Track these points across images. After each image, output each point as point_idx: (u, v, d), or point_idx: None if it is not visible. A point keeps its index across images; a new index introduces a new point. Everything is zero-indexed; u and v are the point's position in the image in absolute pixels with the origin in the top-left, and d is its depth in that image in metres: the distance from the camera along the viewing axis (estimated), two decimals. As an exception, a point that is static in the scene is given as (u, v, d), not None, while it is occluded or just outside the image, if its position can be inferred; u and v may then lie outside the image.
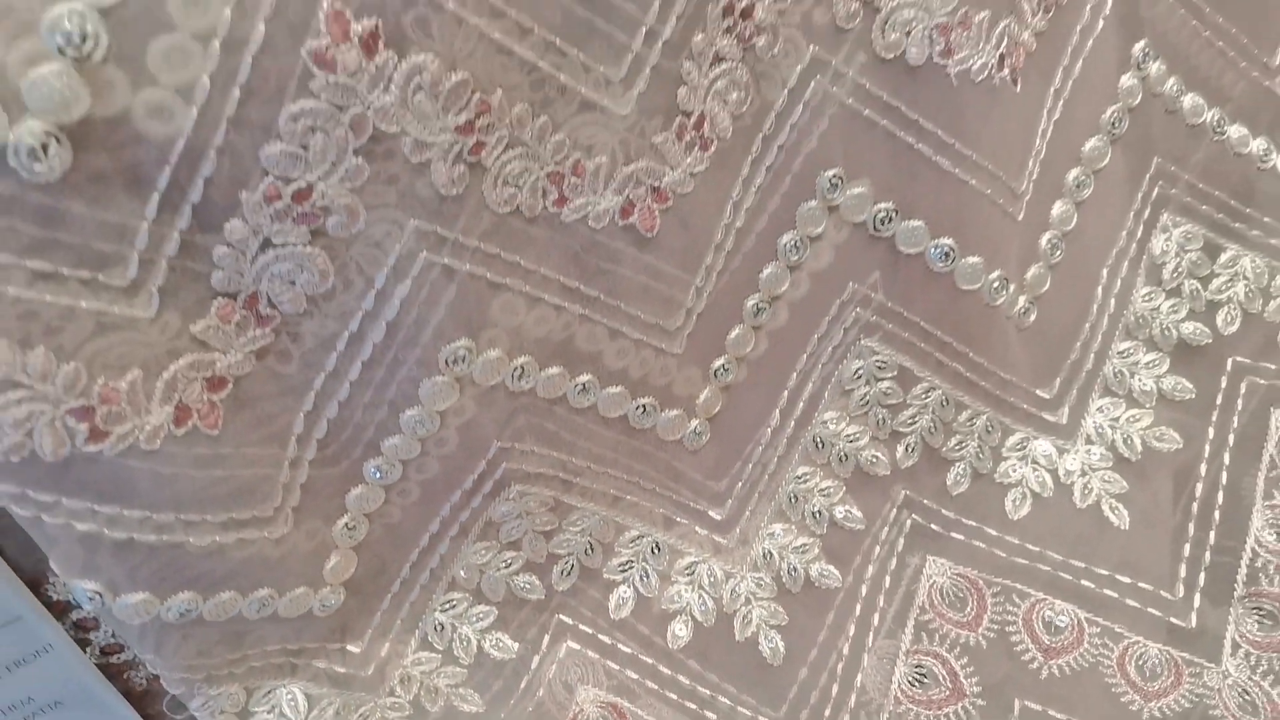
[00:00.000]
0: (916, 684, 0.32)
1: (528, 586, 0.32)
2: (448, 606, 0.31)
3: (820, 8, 0.27)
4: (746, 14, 0.26)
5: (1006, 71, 0.30)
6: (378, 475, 0.28)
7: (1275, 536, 0.31)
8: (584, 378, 0.29)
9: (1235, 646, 0.31)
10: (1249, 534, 0.32)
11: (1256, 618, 0.31)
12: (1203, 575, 0.32)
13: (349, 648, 0.30)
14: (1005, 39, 0.30)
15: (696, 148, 0.27)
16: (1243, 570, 0.31)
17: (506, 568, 0.31)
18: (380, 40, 0.21)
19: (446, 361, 0.26)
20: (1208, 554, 0.32)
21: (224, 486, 0.25)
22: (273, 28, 0.20)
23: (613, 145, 0.26)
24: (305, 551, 0.28)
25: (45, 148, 0.19)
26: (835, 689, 0.32)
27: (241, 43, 0.20)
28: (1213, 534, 0.32)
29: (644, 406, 0.30)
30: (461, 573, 0.31)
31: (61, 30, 0.18)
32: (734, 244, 0.30)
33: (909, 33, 0.28)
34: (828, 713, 0.32)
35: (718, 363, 0.31)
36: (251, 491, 0.26)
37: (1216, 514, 0.32)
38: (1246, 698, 0.29)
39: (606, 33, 0.24)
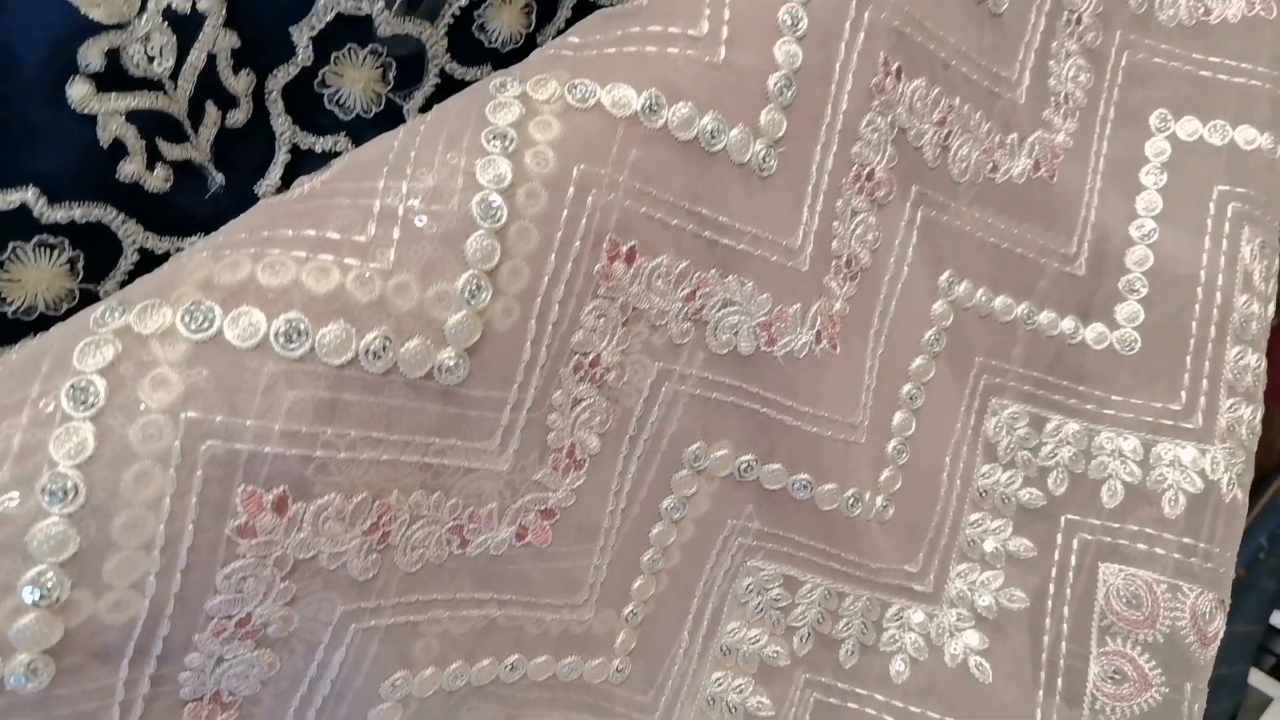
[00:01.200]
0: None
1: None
2: None
3: (657, 334, 0.32)
4: (594, 363, 0.31)
5: (825, 343, 0.35)
6: (348, 779, 0.33)
7: (1110, 682, 0.37)
8: (512, 658, 0.34)
9: (1085, 781, 0.37)
10: (1088, 680, 0.37)
11: (1101, 754, 0.37)
12: (1056, 716, 0.38)
13: None
14: (818, 319, 0.35)
15: (572, 470, 0.32)
16: (1085, 712, 0.37)
17: None
18: (289, 499, 0.26)
19: (387, 691, 0.31)
20: (1057, 698, 0.38)
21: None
22: (199, 523, 0.25)
23: (500, 490, 0.31)
24: None
25: (34, 671, 0.24)
26: None
27: (175, 541, 0.25)
28: (1060, 680, 0.38)
29: (569, 665, 0.36)
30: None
31: (36, 587, 0.23)
32: (621, 521, 0.34)
33: (736, 333, 0.34)
34: None
35: (627, 609, 0.36)
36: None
37: (1061, 662, 0.38)
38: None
39: (476, 417, 0.29)
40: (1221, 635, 0.39)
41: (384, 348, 0.26)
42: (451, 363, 0.27)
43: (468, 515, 0.30)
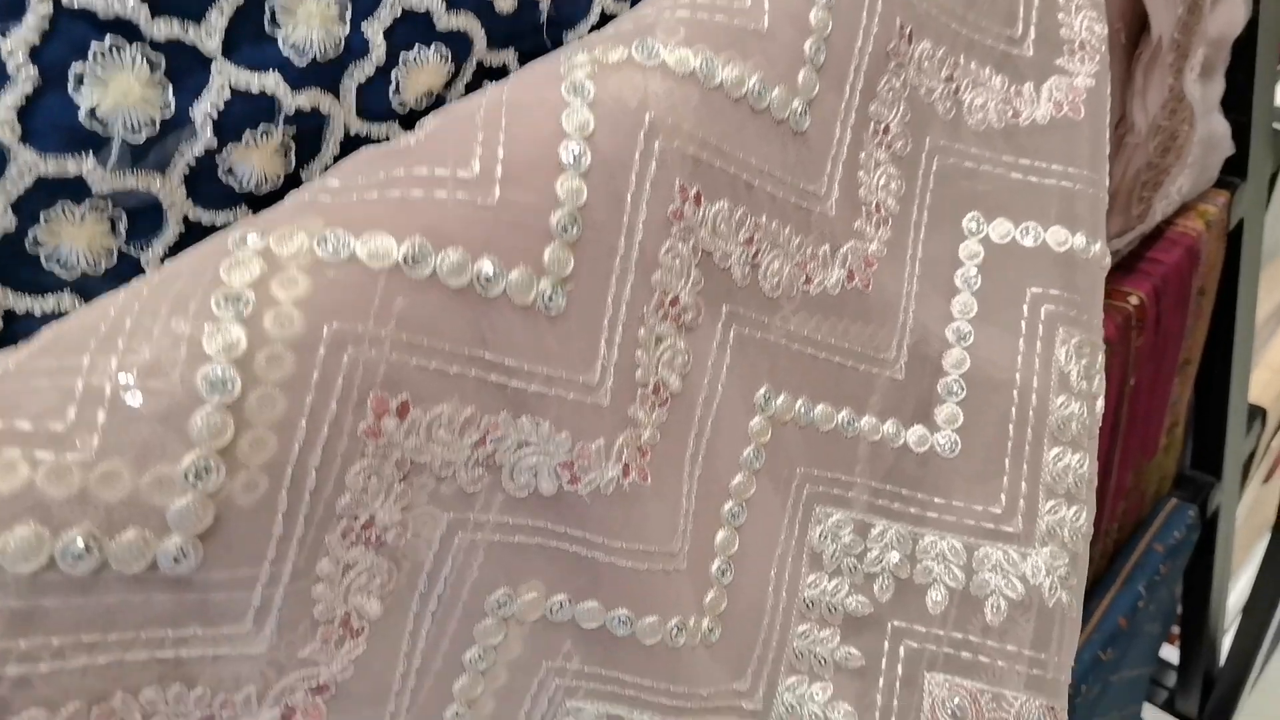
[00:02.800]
0: None
1: None
2: None
3: (444, 484, 0.29)
4: (367, 525, 0.27)
5: (634, 475, 0.32)
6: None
7: (933, 800, 0.35)
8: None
9: None
10: (915, 800, 0.35)
11: None
12: (886, 841, 0.35)
13: None
14: (624, 451, 0.32)
15: (348, 639, 0.28)
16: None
17: None
18: (-18, 730, 0.22)
19: None
20: (887, 822, 0.35)
21: None
22: None
23: (260, 671, 0.27)
24: None
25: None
26: None
27: None
28: (889, 802, 0.35)
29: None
30: None
31: None
32: (417, 681, 0.31)
33: (535, 474, 0.30)
34: None
35: (434, 764, 0.32)
36: None
37: (890, 782, 0.36)
38: None
39: (222, 600, 0.25)
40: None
41: (88, 547, 0.22)
42: (178, 552, 0.23)
43: (219, 703, 0.26)
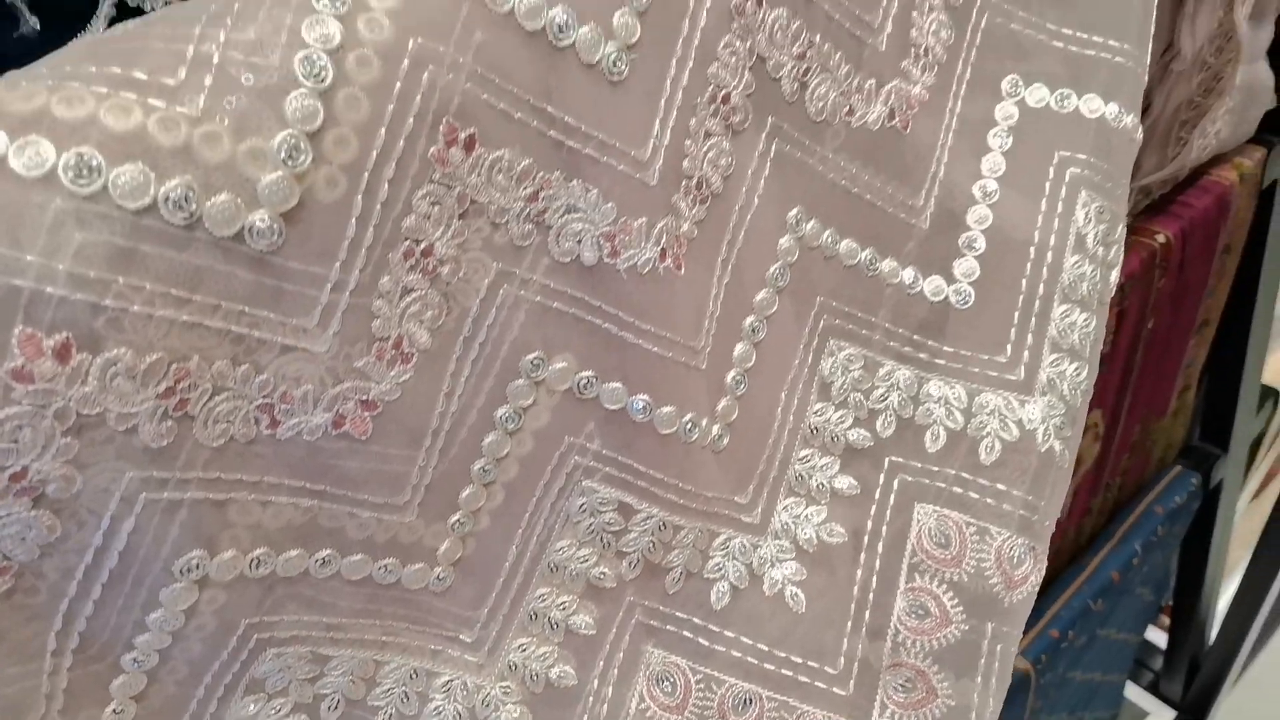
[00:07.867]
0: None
1: (296, 726, 0.37)
2: (223, 752, 0.36)
3: (498, 232, 0.33)
4: (427, 253, 0.32)
5: (669, 261, 0.36)
6: (136, 665, 0.32)
7: (913, 616, 0.40)
8: (324, 553, 0.34)
9: (883, 708, 0.39)
10: (893, 613, 0.40)
11: (900, 684, 0.39)
12: (860, 647, 0.40)
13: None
14: (664, 236, 0.36)
15: (399, 363, 0.32)
16: (888, 644, 0.40)
17: (276, 714, 0.37)
18: (73, 347, 0.26)
19: (181, 571, 0.31)
20: (864, 630, 0.40)
21: (-15, 708, 0.29)
22: (-33, 362, 0.24)
23: (319, 374, 0.31)
24: None
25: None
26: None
27: (-61, 379, 0.24)
28: (868, 614, 0.40)
29: (386, 567, 0.36)
30: (231, 726, 0.36)
31: None
32: (452, 425, 0.35)
33: (579, 240, 0.34)
34: None
35: (454, 518, 0.37)
36: (15, 707, 0.30)
37: (871, 596, 0.40)
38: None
39: (294, 292, 0.29)
40: (1034, 583, 0.42)
41: (186, 197, 0.26)
42: (264, 225, 0.27)
43: (279, 395, 0.30)
